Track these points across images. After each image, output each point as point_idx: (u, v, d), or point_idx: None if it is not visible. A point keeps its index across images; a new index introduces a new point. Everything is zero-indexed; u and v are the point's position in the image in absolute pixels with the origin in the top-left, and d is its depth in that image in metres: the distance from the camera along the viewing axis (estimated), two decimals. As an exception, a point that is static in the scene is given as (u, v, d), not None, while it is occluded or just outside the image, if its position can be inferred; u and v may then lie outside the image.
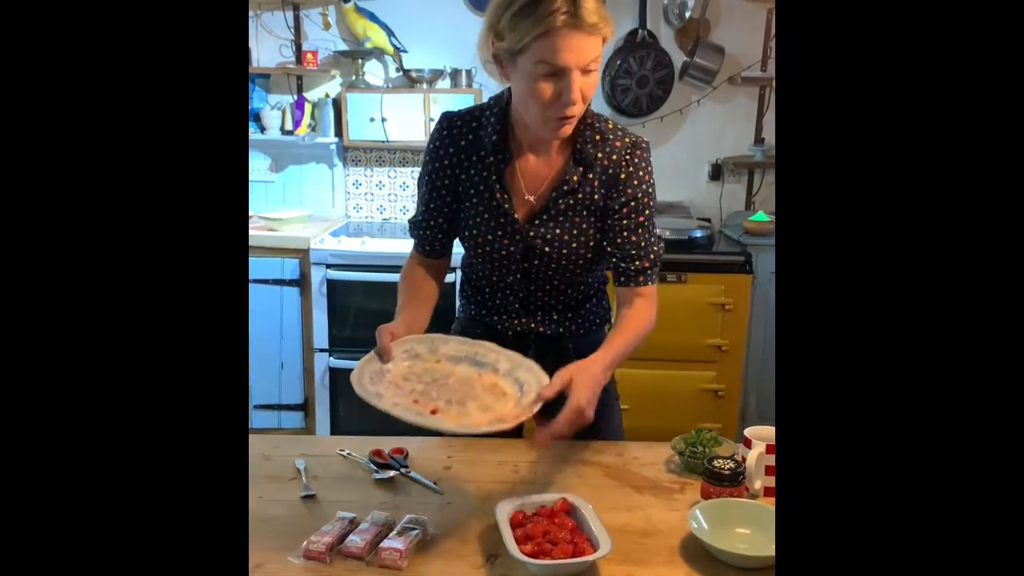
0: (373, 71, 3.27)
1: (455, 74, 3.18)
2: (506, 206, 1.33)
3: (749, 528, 1.11)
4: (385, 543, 1.06)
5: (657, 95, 3.16)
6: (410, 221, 1.46)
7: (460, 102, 3.11)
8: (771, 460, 1.22)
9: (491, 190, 1.34)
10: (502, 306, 1.44)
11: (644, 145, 1.35)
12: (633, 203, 1.32)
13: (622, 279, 1.35)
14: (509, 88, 1.30)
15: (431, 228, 1.42)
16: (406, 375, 1.23)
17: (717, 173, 3.31)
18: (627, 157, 1.32)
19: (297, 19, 3.24)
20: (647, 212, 1.34)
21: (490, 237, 1.35)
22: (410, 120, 3.13)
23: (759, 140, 3.27)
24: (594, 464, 1.34)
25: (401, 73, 3.22)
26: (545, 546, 1.04)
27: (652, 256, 1.35)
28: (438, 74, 3.17)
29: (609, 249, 1.35)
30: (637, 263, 1.34)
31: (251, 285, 2.91)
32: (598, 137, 1.32)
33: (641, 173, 1.33)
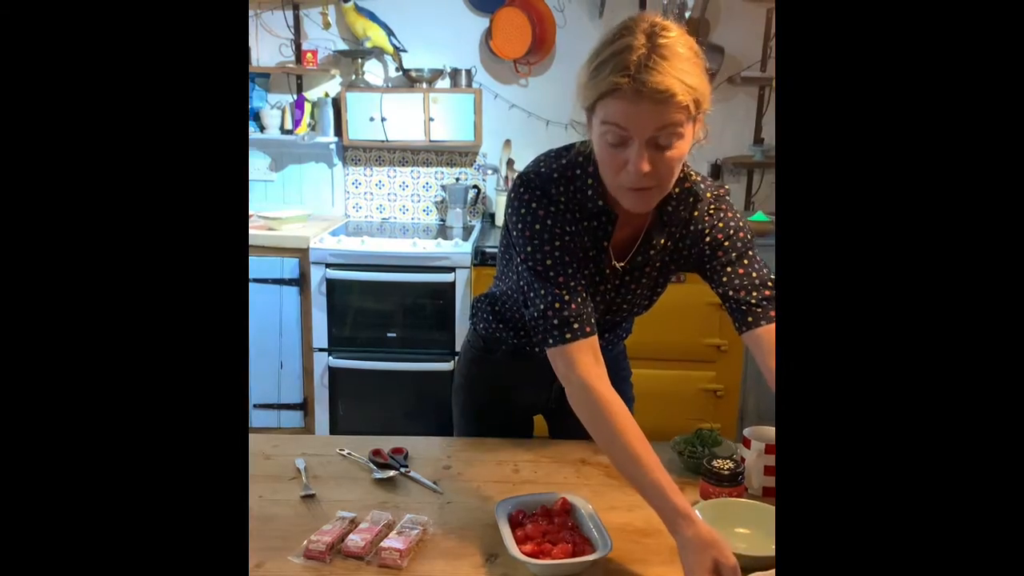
0: (373, 71, 3.27)
1: (455, 74, 3.18)
2: (607, 271, 1.24)
3: (749, 528, 1.11)
4: (385, 542, 1.06)
5: (657, 95, 3.16)
6: (549, 309, 1.14)
7: (460, 102, 3.12)
8: (770, 460, 1.22)
9: (599, 254, 1.22)
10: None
11: (727, 198, 1.26)
12: (727, 243, 1.22)
13: (750, 319, 1.19)
14: None
15: (586, 292, 1.17)
16: None
17: (716, 173, 3.31)
18: (710, 211, 1.23)
19: (297, 18, 3.23)
20: (745, 247, 1.22)
21: None
22: (410, 120, 3.13)
23: (758, 140, 3.27)
24: (594, 464, 1.34)
25: (401, 73, 3.22)
26: (545, 546, 1.04)
27: (770, 285, 1.20)
28: (438, 74, 3.17)
29: (720, 291, 1.22)
30: (755, 293, 1.19)
31: (250, 284, 2.91)
32: (691, 199, 1.22)
33: (728, 218, 1.23)
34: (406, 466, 1.31)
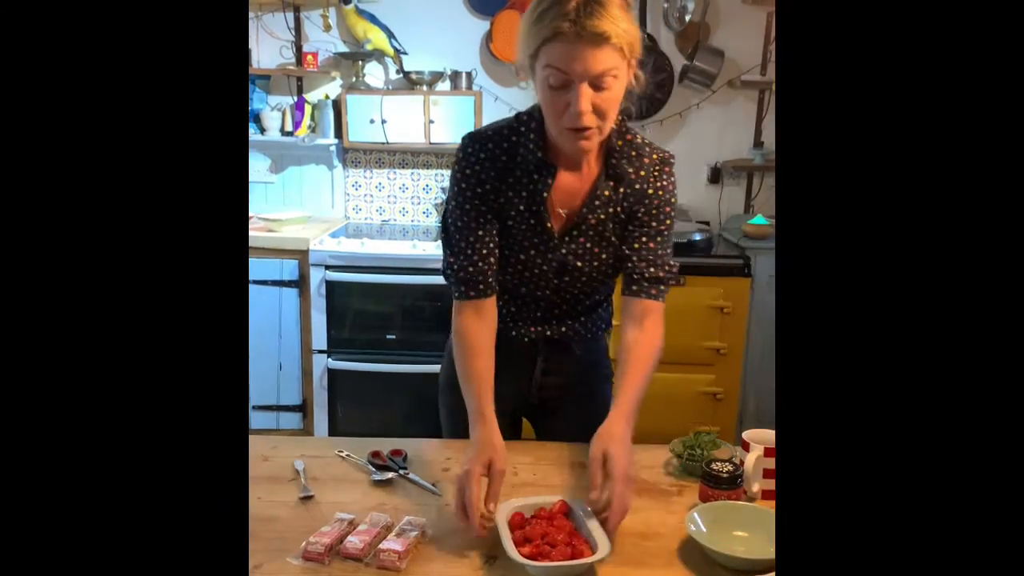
0: (373, 73, 3.28)
1: (455, 76, 3.18)
2: (548, 224, 1.29)
3: (747, 531, 1.11)
4: (384, 544, 1.06)
5: (657, 98, 3.16)
6: (449, 268, 1.32)
7: (460, 104, 3.12)
8: (769, 463, 1.22)
9: (534, 208, 1.29)
10: (521, 316, 1.41)
11: (672, 161, 1.34)
12: (655, 211, 1.31)
13: (634, 288, 1.30)
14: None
15: (483, 262, 1.30)
16: None
17: (716, 176, 3.31)
18: (655, 173, 1.31)
19: (298, 20, 3.24)
20: (667, 223, 1.32)
21: (524, 257, 1.32)
22: (410, 122, 3.13)
23: (758, 143, 3.27)
24: (592, 466, 1.34)
25: (401, 75, 3.22)
26: (544, 548, 1.04)
27: (667, 268, 1.31)
28: (438, 76, 3.18)
29: (626, 252, 1.31)
30: (652, 270, 1.30)
31: (250, 286, 2.91)
32: (633, 153, 1.30)
33: (667, 187, 1.32)
34: (405, 468, 1.31)
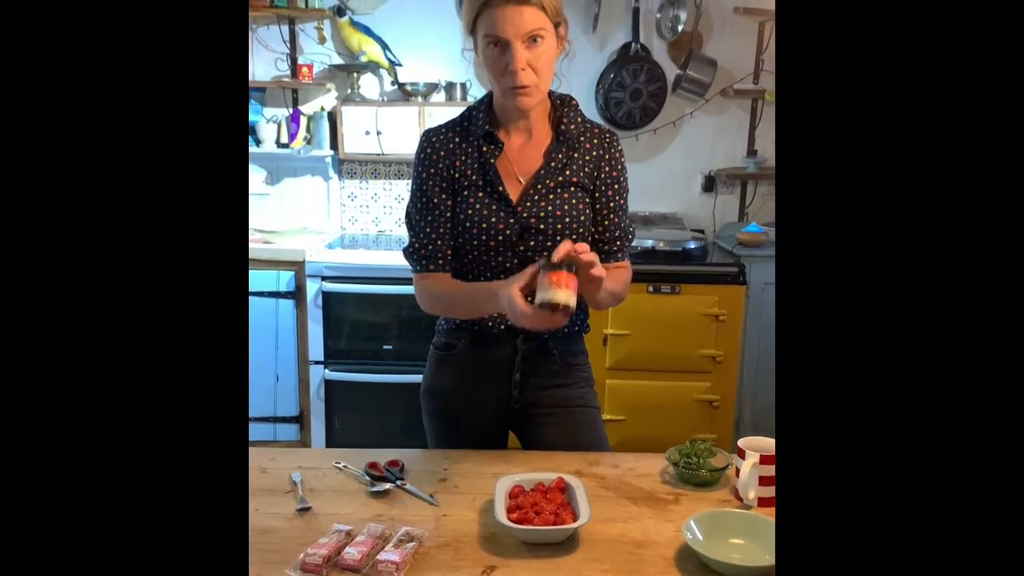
0: (368, 85, 3.29)
1: (450, 87, 3.19)
2: (500, 188, 1.39)
3: (743, 538, 1.12)
4: (381, 555, 1.06)
5: (650, 108, 3.18)
6: (409, 250, 1.46)
7: (454, 115, 3.13)
8: (765, 471, 1.23)
9: (485, 176, 1.40)
10: None
11: (616, 135, 1.47)
12: (616, 185, 1.44)
13: (602, 257, 1.38)
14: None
15: (440, 240, 1.42)
16: None
17: (710, 185, 3.33)
18: (606, 143, 1.44)
19: (293, 33, 3.25)
20: (625, 194, 1.47)
21: (485, 225, 1.39)
22: (405, 133, 3.14)
23: (752, 152, 3.29)
24: (589, 475, 1.34)
25: (396, 87, 3.23)
26: (529, 515, 1.13)
27: (629, 235, 1.48)
28: (433, 88, 3.19)
29: (593, 230, 1.43)
30: (617, 243, 1.46)
31: (246, 298, 2.90)
32: (580, 119, 1.43)
33: (621, 159, 1.45)
34: (402, 479, 1.31)
